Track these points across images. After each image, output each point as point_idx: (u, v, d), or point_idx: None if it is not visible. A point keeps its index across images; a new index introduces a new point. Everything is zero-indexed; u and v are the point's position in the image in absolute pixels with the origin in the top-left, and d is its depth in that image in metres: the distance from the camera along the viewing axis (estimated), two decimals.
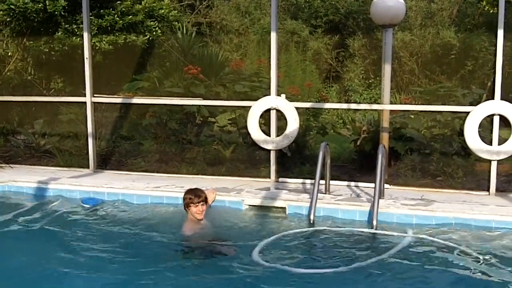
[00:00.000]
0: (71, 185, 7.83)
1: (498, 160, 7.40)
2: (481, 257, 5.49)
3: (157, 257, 5.55)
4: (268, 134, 8.16)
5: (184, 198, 6.15)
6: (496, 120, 7.33)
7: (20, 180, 8.07)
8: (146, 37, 10.42)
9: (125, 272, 5.19)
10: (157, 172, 8.69)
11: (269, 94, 8.13)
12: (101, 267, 5.28)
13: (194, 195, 6.05)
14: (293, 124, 8.00)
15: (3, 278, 4.99)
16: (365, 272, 5.21)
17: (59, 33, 10.30)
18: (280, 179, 8.16)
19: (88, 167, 8.78)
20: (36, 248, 5.77)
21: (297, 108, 8.09)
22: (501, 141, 7.37)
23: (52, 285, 5.00)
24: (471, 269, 5.22)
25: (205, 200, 6.12)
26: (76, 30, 10.15)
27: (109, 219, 6.86)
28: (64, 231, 6.36)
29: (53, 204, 7.37)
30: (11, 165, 8.94)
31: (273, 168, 8.18)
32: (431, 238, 5.99)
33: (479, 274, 5.14)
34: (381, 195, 6.78)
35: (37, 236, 6.26)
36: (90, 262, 5.41)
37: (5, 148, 9.80)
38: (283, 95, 8.11)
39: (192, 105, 8.92)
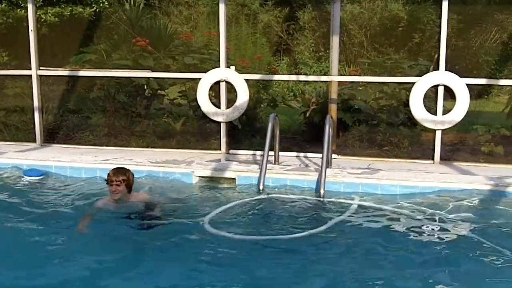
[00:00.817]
0: (17, 158, 7.69)
1: (442, 130, 7.61)
2: (425, 221, 5.68)
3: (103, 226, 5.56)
4: (218, 106, 8.16)
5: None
6: (441, 90, 7.52)
7: None
8: (93, 9, 10.23)
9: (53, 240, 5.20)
10: (106, 145, 8.62)
11: (219, 67, 8.12)
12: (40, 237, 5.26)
13: (113, 174, 5.74)
14: (243, 96, 8.02)
15: None
16: (313, 239, 5.32)
17: (3, 5, 10.02)
18: (231, 151, 8.20)
19: (35, 141, 8.63)
20: None
21: (247, 80, 8.11)
22: (446, 111, 7.57)
23: None
24: (415, 233, 5.40)
25: (123, 182, 5.70)
26: (20, 2, 9.89)
27: (53, 191, 6.79)
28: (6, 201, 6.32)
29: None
30: None
31: (223, 140, 8.21)
32: (377, 206, 6.15)
33: (423, 236, 5.33)
34: (328, 164, 6.90)
35: None
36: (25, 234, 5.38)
37: None
38: (233, 67, 8.11)
39: (141, 77, 8.83)
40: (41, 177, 7.28)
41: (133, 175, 5.88)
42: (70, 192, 6.79)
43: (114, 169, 5.85)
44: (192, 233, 5.48)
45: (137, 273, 4.60)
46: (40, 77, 8.53)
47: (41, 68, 8.50)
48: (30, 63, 8.55)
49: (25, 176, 7.27)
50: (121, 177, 5.71)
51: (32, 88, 8.56)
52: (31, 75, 8.51)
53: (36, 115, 8.55)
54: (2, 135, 9.00)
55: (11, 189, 6.88)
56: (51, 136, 8.91)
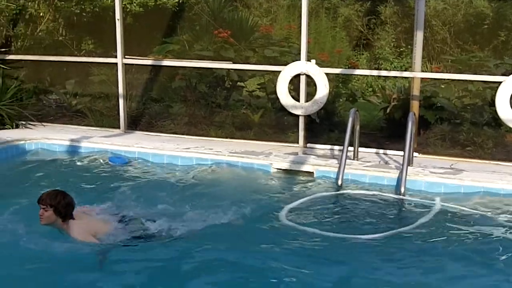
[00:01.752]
0: (102, 143, 7.96)
1: None
2: (509, 224, 5.51)
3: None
4: (297, 100, 8.16)
5: None
6: None
7: (52, 137, 8.22)
8: (176, 0, 10.41)
9: None
10: (186, 134, 8.76)
11: (299, 59, 8.11)
12: None
13: (42, 195, 4.93)
14: (323, 90, 7.99)
15: None
16: (392, 240, 5.25)
17: None
18: (308, 145, 8.19)
19: (118, 127, 8.88)
20: None
21: (327, 74, 8.06)
22: None
23: None
24: (499, 237, 5.25)
25: (47, 204, 4.86)
26: None
27: (139, 177, 6.99)
28: (91, 187, 6.57)
29: (84, 161, 7.55)
30: (43, 124, 9.08)
31: (301, 133, 8.20)
32: (460, 207, 6.00)
33: (507, 241, 5.17)
34: (410, 162, 6.78)
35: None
36: None
37: (37, 107, 9.92)
38: (313, 61, 8.09)
39: (222, 68, 8.93)
40: (126, 164, 7.51)
41: (66, 203, 4.91)
42: (153, 177, 6.99)
43: (51, 190, 5.04)
44: (268, 225, 5.53)
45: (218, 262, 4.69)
46: (125, 65, 8.77)
47: (126, 56, 8.74)
48: (115, 51, 8.81)
49: (110, 162, 7.51)
50: (45, 198, 4.87)
51: (117, 75, 8.81)
52: (116, 63, 8.76)
53: (121, 102, 8.80)
54: (87, 120, 9.31)
55: (95, 173, 7.14)
56: (134, 123, 9.16)
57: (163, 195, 6.19)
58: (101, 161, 7.54)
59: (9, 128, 8.73)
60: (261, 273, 4.50)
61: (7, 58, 9.48)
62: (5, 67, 9.28)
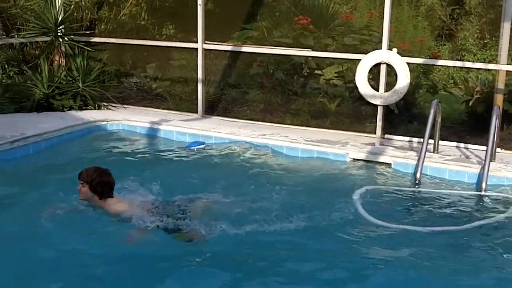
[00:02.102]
0: (181, 127, 8.10)
1: None
2: None
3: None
4: (376, 89, 8.02)
5: None
6: None
7: (133, 119, 8.43)
8: None
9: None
10: (262, 121, 8.78)
11: (379, 48, 7.96)
12: None
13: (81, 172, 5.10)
14: (404, 79, 7.82)
15: None
16: (470, 235, 5.11)
17: None
18: (386, 136, 8.05)
19: (196, 111, 9.01)
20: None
21: (408, 64, 7.89)
22: None
23: None
24: None
25: (84, 180, 5.03)
26: None
27: (212, 162, 7.10)
28: (167, 168, 6.72)
29: (162, 144, 7.72)
30: (125, 106, 9.32)
31: (379, 124, 8.07)
32: None
33: None
34: (492, 157, 6.55)
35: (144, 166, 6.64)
36: None
37: (118, 89, 10.20)
38: (395, 49, 7.92)
39: (300, 56, 8.89)
40: (202, 146, 7.62)
41: (102, 181, 5.02)
42: (228, 162, 7.07)
43: (88, 167, 5.15)
44: (343, 215, 5.48)
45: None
46: (205, 50, 8.86)
47: (206, 42, 8.83)
48: (195, 36, 8.92)
49: (187, 148, 7.64)
50: (85, 176, 5.04)
51: (197, 60, 8.92)
52: (196, 48, 8.87)
53: (199, 87, 8.91)
54: (166, 104, 9.49)
55: (173, 155, 7.28)
56: (211, 108, 9.26)
57: (237, 180, 6.26)
58: (177, 142, 7.72)
59: (92, 109, 9.01)
60: (336, 263, 4.48)
61: (91, 40, 9.77)
62: (90, 49, 9.57)
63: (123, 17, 10.92)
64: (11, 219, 5.04)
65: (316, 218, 5.24)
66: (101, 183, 5.00)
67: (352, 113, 8.83)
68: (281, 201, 5.62)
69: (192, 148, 7.54)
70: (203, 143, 7.65)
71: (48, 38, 9.45)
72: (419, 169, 6.49)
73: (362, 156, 7.10)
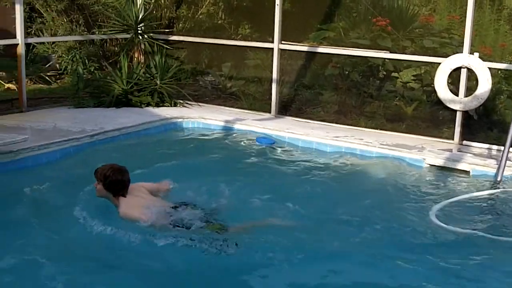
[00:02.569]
0: (255, 126, 8.15)
1: None
2: None
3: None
4: (456, 94, 7.80)
5: None
6: None
7: (208, 117, 8.54)
8: None
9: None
10: (336, 123, 8.70)
11: (460, 52, 7.74)
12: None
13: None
14: (485, 85, 7.57)
15: None
16: None
17: None
18: (464, 142, 7.81)
19: (269, 111, 9.02)
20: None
21: (490, 69, 7.64)
22: None
23: None
24: None
25: (98, 178, 5.04)
26: None
27: (284, 160, 7.11)
28: (241, 166, 6.82)
29: (236, 142, 7.78)
30: (200, 104, 9.45)
31: (457, 130, 7.85)
32: None
33: None
34: None
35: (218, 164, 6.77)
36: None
37: (194, 87, 10.36)
38: (476, 54, 7.68)
39: (377, 57, 8.76)
40: (272, 144, 7.63)
41: (115, 180, 4.97)
42: (301, 161, 7.07)
43: (104, 165, 5.13)
44: (417, 222, 5.36)
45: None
46: (280, 50, 8.86)
47: (282, 42, 8.83)
48: (270, 36, 8.94)
49: (257, 143, 7.67)
50: (99, 173, 5.04)
51: (272, 60, 8.93)
52: (272, 48, 8.88)
53: (274, 87, 8.92)
54: (240, 103, 9.56)
55: (246, 154, 7.33)
56: (284, 108, 9.26)
57: (308, 180, 6.25)
58: (251, 142, 7.74)
59: (168, 106, 9.17)
60: (409, 275, 4.38)
61: (169, 38, 9.96)
62: (168, 47, 9.76)
63: (200, 16, 11.06)
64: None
65: (393, 227, 5.14)
66: (115, 182, 4.97)
67: (429, 118, 8.62)
68: (357, 207, 5.54)
69: (261, 144, 7.57)
70: (273, 142, 7.67)
71: (128, 36, 9.69)
72: (499, 176, 6.27)
73: (439, 162, 6.93)
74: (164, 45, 9.69)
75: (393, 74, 9.32)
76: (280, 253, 4.49)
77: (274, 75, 8.91)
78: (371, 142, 7.50)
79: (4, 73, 11.16)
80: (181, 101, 9.38)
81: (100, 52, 11.03)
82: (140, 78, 9.32)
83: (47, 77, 11.29)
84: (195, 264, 4.41)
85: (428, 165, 6.94)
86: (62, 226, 4.91)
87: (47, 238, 4.72)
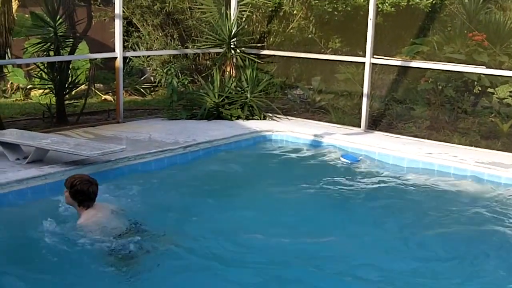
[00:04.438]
0: (344, 141, 8.10)
1: None
2: None
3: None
4: None
5: None
6: None
7: (297, 131, 8.57)
8: (429, 1, 10.17)
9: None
10: (428, 138, 8.50)
11: None
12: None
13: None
14: None
15: None
16: None
17: None
18: None
19: (359, 126, 8.93)
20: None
21: None
22: None
23: None
24: None
25: (66, 186, 5.10)
26: None
27: (375, 178, 7.00)
28: (324, 183, 6.73)
29: (324, 157, 7.74)
30: (288, 117, 9.50)
31: None
32: None
33: None
34: None
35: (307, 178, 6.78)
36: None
37: (282, 101, 10.45)
38: None
39: (473, 73, 8.51)
40: (357, 162, 7.55)
41: (80, 190, 5.01)
42: (388, 179, 6.96)
43: (74, 175, 5.25)
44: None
45: None
46: (372, 65, 8.79)
47: (374, 56, 8.75)
48: (361, 50, 8.88)
49: (341, 159, 7.61)
50: (67, 182, 5.09)
51: (363, 74, 8.86)
52: (364, 62, 8.82)
53: (364, 101, 8.82)
54: (329, 116, 9.53)
55: (333, 169, 7.29)
56: (374, 123, 9.15)
57: (397, 201, 6.18)
58: (338, 159, 7.67)
59: (257, 119, 9.28)
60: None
61: (261, 53, 10.09)
62: (259, 61, 9.89)
63: (291, 30, 11.15)
64: None
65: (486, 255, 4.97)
66: (80, 191, 5.02)
67: None
68: (445, 233, 5.40)
69: (346, 160, 7.51)
70: (358, 160, 7.58)
71: (221, 50, 9.90)
72: None
73: None
74: (255, 59, 9.83)
75: (489, 89, 9.05)
76: None
77: (365, 89, 8.81)
78: (465, 160, 7.28)
79: (101, 85, 11.68)
80: (270, 115, 9.47)
81: (193, 65, 11.32)
82: (231, 91, 9.49)
83: (142, 89, 11.72)
84: None
85: None
86: None
87: None
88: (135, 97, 11.60)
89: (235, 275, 4.51)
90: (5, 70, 10.06)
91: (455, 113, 8.89)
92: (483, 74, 8.46)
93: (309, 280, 4.46)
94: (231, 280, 4.44)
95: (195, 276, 4.51)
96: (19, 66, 11.12)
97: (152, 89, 11.97)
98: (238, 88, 9.61)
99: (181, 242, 4.89)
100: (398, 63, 9.02)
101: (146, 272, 4.50)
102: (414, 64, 8.87)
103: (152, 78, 12.13)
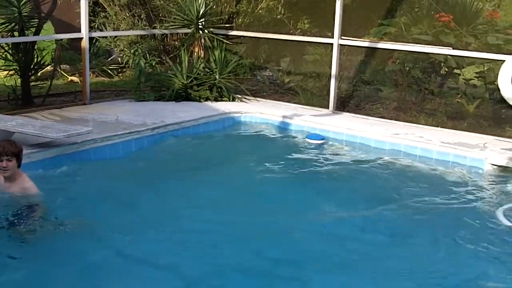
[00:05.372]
0: (312, 122, 8.13)
1: None
2: None
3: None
4: None
5: None
6: None
7: (266, 112, 8.57)
8: None
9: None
10: (395, 119, 8.59)
11: None
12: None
13: (3, 146, 4.94)
14: None
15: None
16: None
17: None
18: None
19: (327, 107, 8.97)
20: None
21: None
22: None
23: None
24: None
25: (13, 155, 4.92)
26: None
27: (341, 158, 7.10)
28: (295, 163, 6.83)
29: (291, 138, 7.78)
30: (257, 98, 9.49)
31: None
32: None
33: None
34: None
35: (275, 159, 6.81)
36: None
37: (251, 82, 10.42)
38: None
39: (439, 54, 8.59)
40: (322, 141, 7.62)
41: (22, 151, 5.03)
42: (351, 159, 7.05)
43: (3, 140, 5.14)
44: (481, 222, 5.25)
45: None
46: (340, 46, 8.81)
47: (342, 37, 8.76)
48: (330, 31, 8.89)
49: (307, 140, 7.67)
50: (10, 149, 4.90)
51: (331, 56, 8.87)
52: (332, 44, 8.83)
53: (332, 83, 8.86)
54: (298, 98, 9.55)
55: (300, 150, 7.36)
56: (342, 104, 9.20)
57: (366, 180, 6.24)
58: (304, 138, 7.74)
59: (227, 101, 9.25)
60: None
61: (229, 33, 10.03)
62: (228, 42, 9.83)
63: (260, 11, 11.08)
64: None
65: (449, 224, 5.07)
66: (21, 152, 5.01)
67: (491, 116, 8.42)
68: (416, 211, 5.48)
69: (310, 140, 7.56)
70: (323, 138, 7.65)
71: (189, 30, 9.82)
72: None
73: (502, 162, 6.74)
74: (224, 40, 9.77)
75: (455, 70, 9.14)
76: None
77: (333, 70, 8.85)
78: (431, 140, 7.38)
79: (67, 66, 11.50)
80: (239, 96, 9.44)
81: (161, 46, 11.20)
82: (199, 72, 9.43)
83: (109, 71, 11.57)
84: None
85: (490, 165, 6.77)
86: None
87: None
88: (102, 78, 11.44)
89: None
90: None
91: (422, 94, 8.97)
92: (450, 55, 8.53)
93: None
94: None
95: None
96: None
97: (119, 70, 11.82)
98: (207, 69, 9.56)
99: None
100: (366, 44, 9.07)
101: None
102: (381, 45, 8.92)
103: (119, 59, 11.96)
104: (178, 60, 9.67)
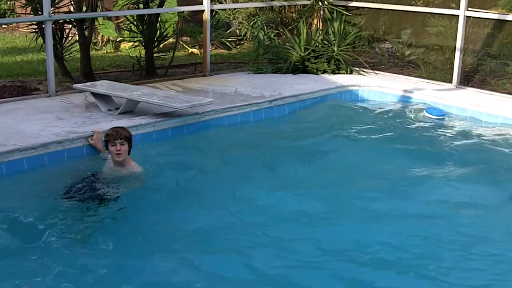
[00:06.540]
0: (435, 97, 7.85)
1: None
2: None
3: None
4: None
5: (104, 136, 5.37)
6: None
7: (385, 86, 8.36)
8: None
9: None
10: None
11: None
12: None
13: (116, 131, 5.19)
14: None
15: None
16: None
17: None
18: None
19: (450, 81, 8.60)
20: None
21: None
22: None
23: None
24: None
25: (126, 139, 5.17)
26: None
27: (468, 136, 6.81)
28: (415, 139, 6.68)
29: (413, 112, 7.54)
30: (376, 72, 9.27)
31: None
32: None
33: None
34: None
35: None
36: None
37: (370, 55, 10.20)
38: None
39: None
40: (442, 117, 7.33)
41: (132, 136, 5.29)
42: (476, 139, 6.73)
43: (114, 127, 5.35)
44: None
45: None
46: (467, 18, 8.39)
47: (469, 9, 8.34)
48: (457, 3, 8.48)
49: (426, 113, 7.41)
50: (123, 133, 5.18)
51: (456, 28, 8.47)
52: (457, 15, 8.43)
53: (457, 56, 8.46)
54: (419, 72, 9.23)
55: (420, 126, 7.13)
56: (466, 79, 8.79)
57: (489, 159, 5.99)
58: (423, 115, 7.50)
59: (344, 73, 9.10)
60: None
61: (349, 5, 9.83)
62: (347, 13, 9.65)
63: None
64: None
65: None
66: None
67: None
68: None
69: (431, 115, 7.29)
70: (444, 114, 7.35)
71: (308, 2, 9.73)
72: None
73: None
74: (343, 12, 9.59)
75: None
76: None
77: (458, 43, 8.44)
78: None
79: (188, 38, 11.79)
80: (357, 69, 9.26)
81: (279, 18, 11.21)
82: (317, 45, 9.34)
83: (227, 43, 11.75)
84: None
85: None
86: None
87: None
88: (221, 50, 11.65)
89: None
90: (96, 23, 10.33)
91: None
92: None
93: None
94: None
95: None
96: (109, 18, 11.36)
97: (237, 42, 11.97)
98: (325, 42, 9.44)
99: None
100: (495, 16, 8.56)
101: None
102: (511, 17, 8.39)
103: (238, 31, 12.11)
104: (296, 32, 9.62)
